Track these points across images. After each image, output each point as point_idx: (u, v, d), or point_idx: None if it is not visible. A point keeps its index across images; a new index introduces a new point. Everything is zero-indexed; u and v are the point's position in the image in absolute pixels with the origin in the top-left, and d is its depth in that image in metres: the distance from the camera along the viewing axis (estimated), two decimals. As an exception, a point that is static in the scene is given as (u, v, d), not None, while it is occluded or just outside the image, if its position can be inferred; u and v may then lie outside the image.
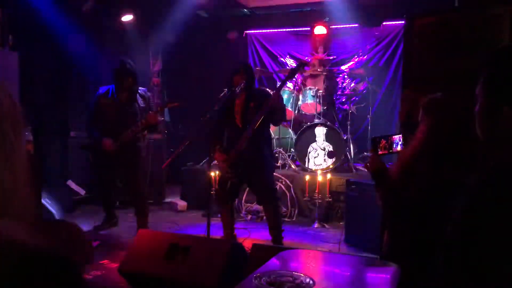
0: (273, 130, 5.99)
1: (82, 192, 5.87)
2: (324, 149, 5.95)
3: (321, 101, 6.34)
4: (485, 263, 1.11)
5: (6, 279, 0.70)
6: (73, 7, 6.14)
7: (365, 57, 7.53)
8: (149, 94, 4.89)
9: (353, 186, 4.61)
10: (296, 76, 7.17)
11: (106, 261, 3.82)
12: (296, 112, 6.57)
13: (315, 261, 2.20)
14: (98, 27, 6.72)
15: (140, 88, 4.80)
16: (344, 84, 7.44)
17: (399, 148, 2.54)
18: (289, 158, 6.27)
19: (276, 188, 4.51)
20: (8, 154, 0.81)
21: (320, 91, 6.36)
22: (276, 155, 6.16)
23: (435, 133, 2.23)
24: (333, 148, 5.90)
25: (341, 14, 7.12)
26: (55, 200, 4.85)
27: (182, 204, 6.16)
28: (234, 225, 4.41)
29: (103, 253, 4.09)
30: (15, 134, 0.83)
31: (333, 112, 6.77)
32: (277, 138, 6.34)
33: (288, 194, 5.59)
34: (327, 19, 7.18)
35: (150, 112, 4.64)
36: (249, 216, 5.60)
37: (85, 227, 4.81)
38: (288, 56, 7.86)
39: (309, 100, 6.38)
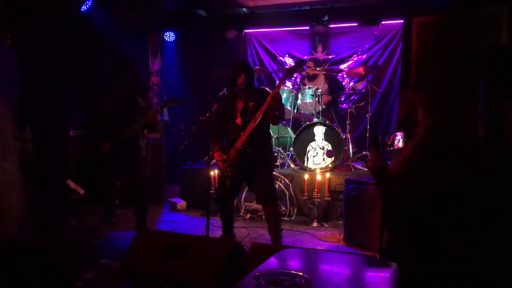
0: (272, 129, 5.99)
1: (81, 191, 5.87)
2: (323, 148, 5.95)
3: (320, 100, 6.35)
4: (487, 259, 1.11)
5: (4, 278, 0.71)
6: (73, 7, 6.14)
7: (364, 56, 7.53)
8: (149, 93, 4.90)
9: (352, 185, 4.62)
10: (295, 75, 7.18)
11: (105, 260, 3.83)
12: (295, 111, 6.57)
13: (314, 260, 2.21)
14: (98, 26, 6.71)
15: (140, 87, 4.80)
16: (343, 83, 7.44)
17: (401, 145, 2.53)
18: (288, 157, 6.28)
19: (275, 188, 4.52)
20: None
21: (319, 90, 6.36)
22: (275, 154, 6.17)
23: (436, 131, 2.24)
24: (332, 147, 5.91)
25: (340, 13, 7.11)
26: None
27: (181, 203, 6.17)
28: (233, 224, 4.42)
29: (102, 252, 4.10)
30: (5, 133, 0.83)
31: (332, 111, 6.77)
32: (276, 137, 6.35)
33: (287, 193, 5.60)
34: (326, 18, 7.18)
35: (150, 110, 4.64)
36: (248, 215, 5.61)
37: (85, 226, 4.81)
38: (287, 55, 7.86)
39: (308, 99, 6.38)
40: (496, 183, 1.16)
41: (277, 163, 6.10)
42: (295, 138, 6.06)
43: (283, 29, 7.99)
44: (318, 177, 5.34)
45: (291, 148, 6.28)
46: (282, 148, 6.32)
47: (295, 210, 5.60)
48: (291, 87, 6.81)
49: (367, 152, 6.44)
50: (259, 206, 5.31)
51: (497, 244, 1.11)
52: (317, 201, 5.31)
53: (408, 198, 2.27)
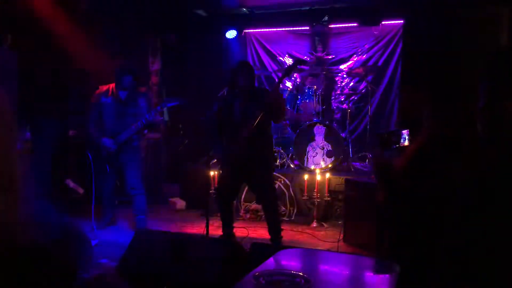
0: (272, 129, 5.99)
1: (81, 191, 5.87)
2: (323, 148, 5.95)
3: (320, 100, 6.34)
4: (488, 259, 1.11)
5: (3, 278, 0.71)
6: (73, 7, 6.13)
7: (364, 56, 7.53)
8: (149, 93, 4.89)
9: (351, 185, 4.62)
10: (295, 75, 7.18)
11: (104, 260, 3.82)
12: (295, 111, 6.57)
13: (314, 260, 2.21)
14: (98, 26, 6.71)
15: (140, 87, 4.80)
16: (343, 84, 7.44)
17: (406, 143, 2.53)
18: (288, 157, 6.28)
19: (275, 188, 4.52)
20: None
21: (319, 90, 6.36)
22: (275, 154, 6.16)
23: (441, 131, 2.24)
24: (332, 148, 5.90)
25: (340, 13, 7.11)
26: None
27: (181, 203, 6.16)
28: (233, 224, 4.42)
29: (101, 252, 4.09)
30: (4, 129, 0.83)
31: (332, 111, 6.77)
32: (276, 137, 6.35)
33: (287, 193, 5.59)
34: (326, 18, 7.18)
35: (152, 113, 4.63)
36: (248, 215, 5.60)
37: (84, 226, 4.80)
38: (287, 55, 7.86)
39: (308, 99, 6.38)
40: (496, 183, 1.15)
41: (277, 163, 6.10)
42: (295, 138, 6.05)
43: (283, 29, 7.99)
44: (318, 177, 5.34)
45: (291, 148, 6.27)
46: (282, 148, 6.31)
47: (295, 210, 5.59)
48: (291, 87, 6.81)
49: (367, 152, 6.44)
50: (259, 206, 5.31)
51: (497, 244, 1.11)
52: (317, 201, 5.31)
53: (410, 197, 2.27)
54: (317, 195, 5.29)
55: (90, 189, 5.75)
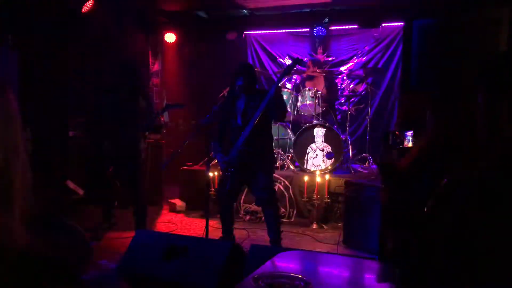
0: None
1: (81, 192, 5.87)
2: (322, 150, 5.95)
3: (320, 102, 6.35)
4: (489, 259, 1.11)
5: (3, 280, 0.71)
6: (73, 8, 6.14)
7: (364, 58, 7.54)
8: (150, 94, 4.88)
9: (351, 187, 4.62)
10: (295, 77, 7.18)
11: (104, 261, 3.82)
12: (295, 113, 6.57)
13: (313, 262, 2.21)
14: (98, 26, 6.72)
15: (141, 88, 4.79)
16: (343, 85, 7.44)
17: (410, 144, 2.53)
18: (288, 159, 6.28)
19: (275, 190, 4.52)
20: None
21: (319, 92, 6.36)
22: (275, 156, 6.16)
23: (441, 132, 2.24)
24: (331, 149, 5.90)
25: (340, 15, 7.12)
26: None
27: (180, 204, 6.16)
28: (233, 226, 4.41)
29: (101, 253, 4.09)
30: (10, 130, 0.83)
31: (332, 113, 6.77)
32: (276, 139, 6.35)
33: (286, 195, 5.59)
34: (326, 20, 7.19)
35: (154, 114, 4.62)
36: (248, 217, 5.61)
37: (83, 227, 4.80)
38: (287, 57, 7.86)
39: (308, 101, 6.38)
40: (496, 183, 1.16)
41: (277, 165, 6.10)
42: (294, 140, 6.06)
43: (284, 31, 8.00)
44: (318, 179, 5.34)
45: (290, 150, 6.28)
46: (282, 150, 6.32)
47: (295, 211, 5.59)
48: (291, 89, 6.81)
49: (367, 154, 6.44)
50: (259, 208, 5.31)
51: (498, 245, 1.11)
52: (317, 203, 5.31)
53: (413, 197, 2.27)
54: (317, 196, 5.29)
55: (90, 190, 5.77)
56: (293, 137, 6.24)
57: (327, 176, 5.45)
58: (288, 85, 7.12)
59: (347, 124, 6.50)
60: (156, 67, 8.01)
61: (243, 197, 5.62)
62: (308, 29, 7.51)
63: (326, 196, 5.35)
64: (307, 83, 7.07)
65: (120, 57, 4.85)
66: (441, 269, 1.25)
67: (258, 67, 7.87)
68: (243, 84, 4.06)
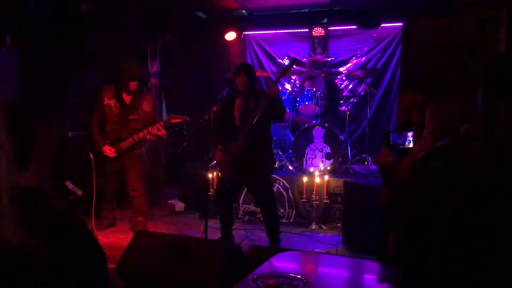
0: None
1: (80, 192, 5.86)
2: (322, 151, 5.95)
3: (319, 103, 6.35)
4: (489, 259, 1.11)
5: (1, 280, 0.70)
6: (73, 7, 6.14)
7: (363, 58, 7.54)
8: (154, 99, 4.85)
9: (350, 188, 4.62)
10: (294, 78, 7.18)
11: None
12: (294, 113, 6.58)
13: (312, 263, 2.21)
14: (98, 27, 6.72)
15: (145, 92, 4.78)
16: (342, 86, 7.45)
17: (411, 145, 2.53)
18: (286, 159, 6.28)
19: (274, 190, 4.52)
20: None
21: (318, 93, 6.37)
22: (274, 156, 6.17)
23: (441, 132, 2.24)
24: (330, 150, 5.91)
25: (339, 15, 7.12)
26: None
27: (180, 205, 6.16)
28: (232, 226, 4.42)
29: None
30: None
31: (331, 113, 6.77)
32: (275, 139, 6.35)
33: (285, 196, 5.59)
34: (325, 20, 7.19)
35: (156, 125, 4.58)
36: (247, 217, 5.61)
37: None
38: (286, 57, 7.87)
39: (307, 102, 6.39)
40: (496, 183, 1.16)
41: (276, 165, 6.10)
42: (294, 141, 6.06)
43: (282, 31, 7.99)
44: (317, 180, 5.34)
45: (290, 150, 6.28)
46: (281, 151, 6.32)
47: (294, 212, 5.59)
48: (290, 89, 6.81)
49: (366, 155, 6.44)
50: (258, 208, 5.31)
51: (498, 244, 1.11)
52: (316, 203, 5.31)
53: (413, 198, 2.27)
54: (316, 197, 5.29)
55: (90, 191, 5.75)
56: (292, 138, 6.24)
57: (326, 177, 5.45)
58: (287, 86, 7.12)
59: (346, 124, 6.50)
60: (154, 67, 8.00)
61: (242, 198, 5.62)
62: (307, 30, 7.51)
63: (325, 197, 5.35)
64: (306, 84, 7.07)
65: (123, 59, 4.82)
66: (441, 270, 1.25)
67: (257, 67, 7.87)
68: (242, 84, 4.07)
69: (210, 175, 5.28)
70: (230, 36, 7.73)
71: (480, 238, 1.14)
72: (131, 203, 4.85)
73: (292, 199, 5.61)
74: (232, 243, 4.13)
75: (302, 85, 7.02)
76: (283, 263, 2.10)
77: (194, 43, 8.00)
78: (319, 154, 5.96)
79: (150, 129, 4.53)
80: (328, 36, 7.59)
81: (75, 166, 6.15)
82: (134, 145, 4.60)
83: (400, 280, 1.78)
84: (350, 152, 6.40)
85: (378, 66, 7.41)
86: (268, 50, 8.09)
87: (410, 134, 2.56)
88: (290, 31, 7.95)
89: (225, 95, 4.20)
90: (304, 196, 5.40)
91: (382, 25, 7.19)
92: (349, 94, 7.00)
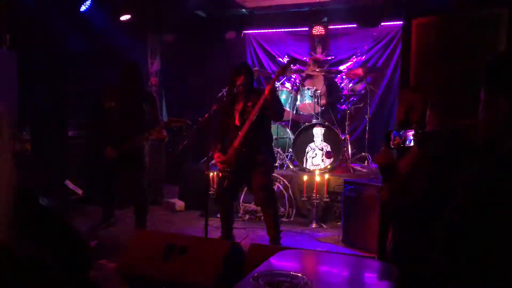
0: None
1: (80, 192, 5.86)
2: (322, 149, 5.95)
3: (319, 102, 6.35)
4: (489, 260, 1.11)
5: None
6: (72, 7, 6.14)
7: (363, 57, 7.54)
8: (155, 98, 4.81)
9: (351, 187, 4.62)
10: (294, 76, 7.18)
11: (104, 261, 3.82)
12: (294, 112, 6.57)
13: (313, 261, 2.21)
14: (98, 26, 6.72)
15: (146, 92, 4.76)
16: (342, 85, 7.44)
17: (411, 144, 2.52)
18: (287, 158, 6.28)
19: (274, 189, 4.52)
20: None
21: (318, 91, 6.36)
22: (274, 155, 6.16)
23: (442, 132, 2.24)
24: (331, 148, 5.91)
25: (339, 14, 7.12)
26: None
27: (180, 204, 6.16)
28: (232, 225, 4.42)
29: (101, 253, 4.09)
30: None
31: (331, 112, 6.77)
32: (275, 138, 6.34)
33: (286, 194, 5.59)
34: (325, 19, 7.19)
35: (157, 127, 4.57)
36: (247, 216, 5.61)
37: (83, 227, 4.80)
38: (286, 56, 7.86)
39: (307, 100, 6.38)
40: (496, 182, 1.16)
41: (276, 164, 6.09)
42: (294, 139, 6.06)
43: (282, 30, 7.99)
44: (317, 178, 5.34)
45: (290, 149, 6.28)
46: (281, 149, 6.31)
47: (294, 211, 5.60)
48: (290, 88, 6.81)
49: (366, 153, 6.44)
50: (258, 207, 5.31)
51: (498, 245, 1.11)
52: (316, 202, 5.31)
53: (414, 197, 2.27)
54: (316, 196, 5.29)
55: (90, 190, 5.77)
56: (292, 137, 6.24)
57: (326, 175, 5.46)
58: (288, 84, 7.11)
59: (347, 123, 6.50)
60: (154, 66, 8.01)
61: (242, 197, 5.62)
62: (307, 28, 7.51)
63: (325, 195, 5.35)
64: (306, 82, 7.07)
65: (122, 58, 4.80)
66: (441, 269, 1.25)
67: (257, 66, 7.87)
68: (241, 83, 4.06)
69: (210, 174, 5.28)
70: (230, 35, 7.73)
71: (480, 238, 1.14)
72: (131, 201, 4.85)
73: (293, 198, 5.61)
74: (233, 242, 4.13)
75: (302, 84, 7.02)
76: (283, 262, 2.10)
77: (194, 42, 8.00)
78: (319, 153, 5.96)
79: (151, 132, 4.52)
80: (328, 34, 7.59)
81: (75, 166, 6.16)
82: (135, 146, 4.58)
83: (399, 279, 1.78)
84: (350, 150, 6.39)
85: (378, 64, 7.41)
86: (268, 49, 8.09)
87: (410, 133, 2.56)
88: (290, 30, 7.95)
89: (224, 94, 4.20)
90: (305, 195, 5.40)
91: (382, 23, 7.19)
92: (349, 92, 6.99)
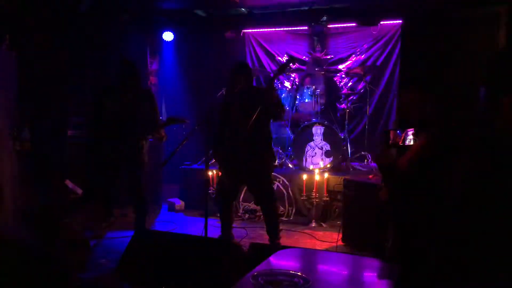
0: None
1: (79, 191, 5.86)
2: (321, 148, 5.95)
3: (318, 100, 6.35)
4: (489, 259, 1.11)
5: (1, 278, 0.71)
6: (71, 7, 6.13)
7: (363, 56, 7.54)
8: (152, 94, 4.81)
9: (350, 186, 4.62)
10: (293, 75, 7.18)
11: (103, 260, 3.83)
12: (294, 111, 6.58)
13: (312, 260, 2.21)
14: (97, 26, 6.71)
15: (145, 91, 4.76)
16: (342, 84, 7.44)
17: (411, 142, 2.52)
18: (286, 157, 6.28)
19: (274, 188, 4.52)
20: None
21: (317, 90, 6.37)
22: (274, 154, 6.16)
23: (442, 131, 2.24)
24: (330, 148, 5.91)
25: (339, 13, 7.12)
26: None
27: (180, 203, 6.17)
28: (232, 225, 4.42)
29: (100, 252, 4.09)
30: None
31: (330, 111, 6.77)
32: (275, 137, 6.35)
33: (285, 193, 5.60)
34: (324, 18, 7.18)
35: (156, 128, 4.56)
36: (247, 216, 5.61)
37: (83, 226, 4.80)
38: (285, 55, 7.86)
39: (307, 99, 6.39)
40: (496, 182, 1.16)
41: (276, 163, 6.09)
42: (293, 138, 6.06)
43: (282, 29, 7.99)
44: (317, 177, 5.34)
45: (289, 148, 6.28)
46: (280, 148, 6.32)
47: (294, 210, 5.60)
48: (289, 87, 6.81)
49: (366, 152, 6.45)
50: (258, 206, 5.31)
51: (496, 244, 1.11)
52: (316, 201, 5.31)
53: (414, 196, 2.27)
54: (315, 195, 5.29)
55: (90, 190, 5.76)
56: (292, 136, 6.24)
57: (326, 175, 5.46)
58: (287, 83, 7.11)
59: (346, 122, 6.50)
60: (154, 66, 8.01)
61: (242, 196, 5.63)
62: (306, 27, 7.51)
63: (325, 195, 5.35)
64: (305, 81, 7.07)
65: (121, 57, 4.79)
66: (439, 268, 1.26)
67: (256, 65, 7.87)
68: (240, 82, 4.06)
69: (210, 174, 5.28)
70: (230, 34, 7.73)
71: (479, 236, 1.14)
72: (131, 201, 4.85)
73: (292, 197, 5.62)
74: (232, 241, 4.14)
75: (301, 83, 7.02)
76: (283, 261, 2.10)
77: (193, 41, 8.00)
78: (319, 152, 5.96)
79: (150, 132, 4.52)
80: (327, 33, 7.59)
81: (75, 165, 6.16)
82: (135, 145, 4.58)
83: (399, 277, 1.79)
84: (350, 149, 6.40)
85: (378, 63, 7.40)
86: (268, 48, 8.08)
87: (409, 131, 2.56)
88: (289, 29, 7.94)
89: (224, 93, 4.20)
90: (304, 194, 5.41)
91: (382, 22, 7.19)
92: (349, 91, 6.99)
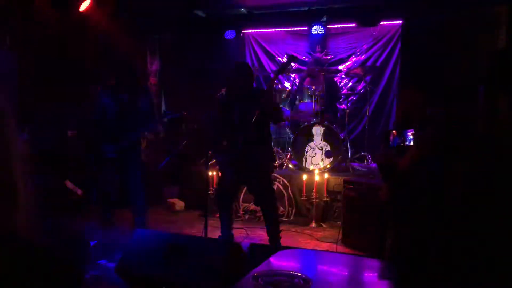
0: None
1: (79, 192, 5.86)
2: (321, 149, 5.95)
3: (318, 101, 6.35)
4: (489, 259, 1.11)
5: (4, 273, 0.71)
6: (71, 7, 6.13)
7: (363, 56, 7.54)
8: (149, 90, 4.82)
9: (350, 186, 4.62)
10: (293, 76, 7.18)
11: (103, 261, 3.82)
12: (293, 112, 6.58)
13: (312, 260, 2.21)
14: (97, 26, 6.71)
15: (141, 88, 4.76)
16: (342, 84, 7.44)
17: (411, 143, 2.52)
18: (286, 157, 6.28)
19: (274, 189, 4.52)
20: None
21: (317, 91, 6.37)
22: (274, 154, 6.16)
23: (442, 131, 2.24)
24: (330, 148, 5.90)
25: (339, 13, 7.12)
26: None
27: (179, 204, 6.16)
28: (232, 225, 4.42)
29: (100, 253, 4.09)
30: (5, 127, 0.83)
31: (330, 111, 6.77)
32: (275, 138, 6.35)
33: (285, 194, 5.59)
34: (324, 18, 7.19)
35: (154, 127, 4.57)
36: (247, 216, 5.61)
37: (82, 226, 4.80)
38: (285, 55, 7.87)
39: (307, 100, 6.39)
40: (496, 182, 1.16)
41: (276, 164, 6.10)
42: (293, 139, 6.06)
43: (282, 29, 7.99)
44: (317, 178, 5.34)
45: (289, 149, 6.28)
46: (280, 149, 6.32)
47: (294, 210, 5.60)
48: (289, 87, 6.81)
49: (366, 153, 6.45)
50: (258, 207, 5.31)
51: (495, 243, 1.11)
52: (316, 201, 5.31)
53: (414, 196, 2.27)
54: (315, 195, 5.29)
55: (89, 190, 5.76)
56: (291, 136, 6.23)
57: (326, 175, 5.45)
58: (287, 84, 7.11)
59: (346, 122, 6.50)
60: (154, 66, 8.00)
61: (242, 196, 5.63)
62: (306, 28, 7.52)
63: (325, 195, 5.35)
64: (305, 82, 7.07)
65: (119, 57, 4.80)
66: (439, 268, 1.26)
67: (256, 66, 7.87)
68: (240, 83, 4.06)
69: (209, 174, 5.27)
70: (229, 34, 7.73)
71: (479, 236, 1.14)
72: (131, 201, 4.84)
73: (292, 197, 5.61)
74: (232, 242, 4.13)
75: (301, 83, 7.02)
76: (283, 261, 2.10)
77: (193, 41, 8.00)
78: (318, 152, 5.96)
79: (148, 127, 4.52)
80: (327, 34, 7.59)
81: (74, 165, 6.16)
82: (133, 144, 4.58)
83: (399, 277, 1.79)
84: (350, 150, 6.40)
85: (378, 64, 7.41)
86: (267, 48, 8.09)
87: (409, 132, 2.56)
88: (289, 29, 7.95)
89: (224, 94, 4.20)
90: (304, 195, 5.40)
91: (382, 22, 7.19)
92: (349, 92, 6.99)
